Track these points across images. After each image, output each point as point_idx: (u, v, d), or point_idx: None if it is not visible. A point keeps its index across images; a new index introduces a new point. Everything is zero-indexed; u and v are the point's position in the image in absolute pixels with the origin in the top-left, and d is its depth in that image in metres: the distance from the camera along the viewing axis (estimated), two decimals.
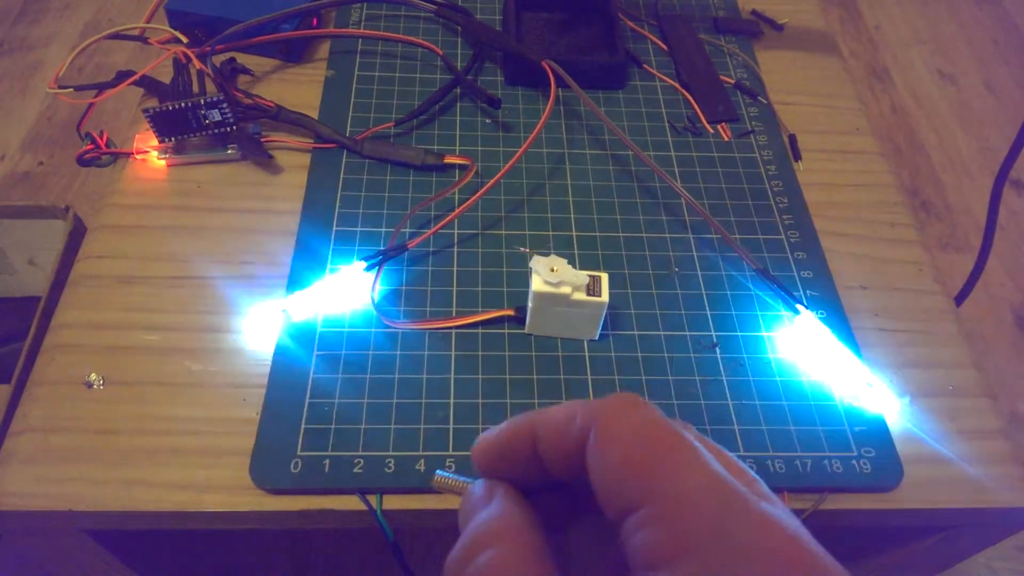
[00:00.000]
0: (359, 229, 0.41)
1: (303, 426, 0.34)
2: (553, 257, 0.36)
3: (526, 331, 0.38)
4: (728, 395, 0.36)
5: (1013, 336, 1.07)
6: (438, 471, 0.25)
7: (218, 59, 0.47)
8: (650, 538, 0.17)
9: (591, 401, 0.21)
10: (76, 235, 0.58)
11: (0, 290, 0.66)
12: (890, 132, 1.35)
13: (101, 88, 0.45)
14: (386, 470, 0.33)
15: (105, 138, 0.44)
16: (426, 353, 0.37)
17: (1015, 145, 0.46)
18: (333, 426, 0.34)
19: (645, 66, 0.52)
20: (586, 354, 0.37)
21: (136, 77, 0.45)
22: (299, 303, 0.38)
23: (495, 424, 0.35)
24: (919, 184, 1.26)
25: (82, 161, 0.44)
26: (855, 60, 1.48)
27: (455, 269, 0.40)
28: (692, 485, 0.17)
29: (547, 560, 0.20)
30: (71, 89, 0.45)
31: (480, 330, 0.38)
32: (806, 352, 0.38)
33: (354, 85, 0.48)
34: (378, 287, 0.39)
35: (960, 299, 0.50)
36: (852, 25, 1.55)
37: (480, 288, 0.39)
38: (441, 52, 0.50)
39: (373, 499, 0.33)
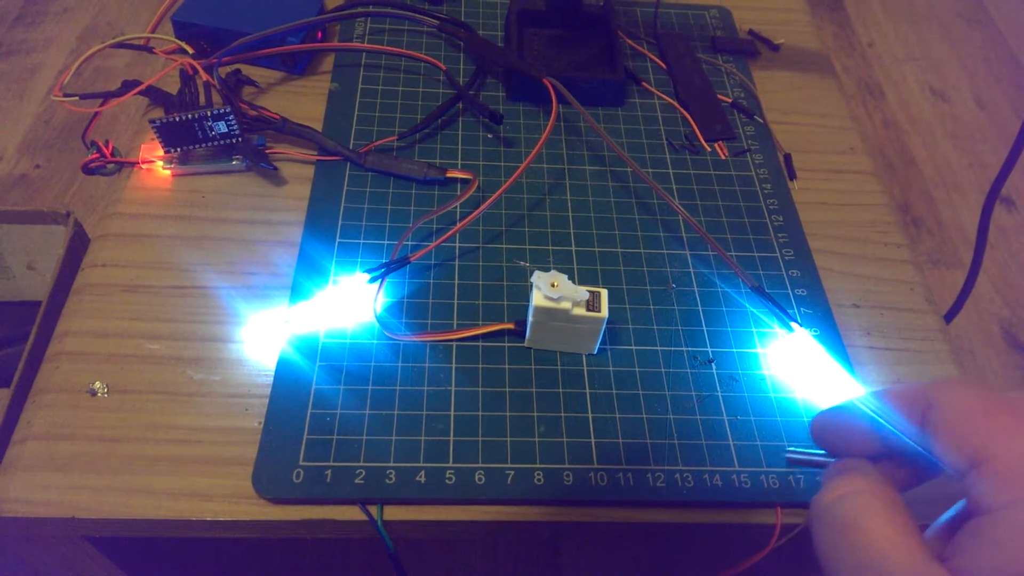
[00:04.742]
0: (362, 241, 0.42)
1: (305, 436, 0.34)
2: (554, 272, 0.36)
3: (526, 344, 0.39)
4: (723, 411, 0.37)
5: (1001, 351, 1.09)
6: (790, 447, 0.32)
7: (223, 71, 0.48)
8: (997, 484, 0.23)
9: (931, 381, 0.26)
10: (76, 240, 0.58)
11: None
12: (882, 147, 1.36)
13: (106, 97, 0.46)
14: (387, 481, 0.33)
15: (111, 147, 0.44)
16: (427, 365, 0.37)
17: (1006, 164, 0.47)
18: (335, 437, 0.35)
19: (644, 84, 0.52)
20: (584, 368, 0.38)
21: (142, 87, 0.45)
22: (302, 314, 0.38)
23: (494, 437, 0.35)
24: (910, 200, 1.28)
25: (87, 170, 0.44)
26: (848, 76, 1.49)
27: (456, 282, 0.41)
28: None
29: (898, 498, 0.25)
30: (76, 97, 0.45)
31: (480, 343, 0.39)
32: (800, 369, 0.39)
33: (358, 98, 0.49)
34: (380, 299, 0.39)
35: (950, 316, 0.51)
36: (846, 41, 1.57)
37: (481, 301, 0.40)
38: (444, 67, 0.51)
39: (374, 509, 0.33)
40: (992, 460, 0.24)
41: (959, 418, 0.25)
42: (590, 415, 0.36)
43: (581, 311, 0.36)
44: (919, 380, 0.39)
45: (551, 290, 0.35)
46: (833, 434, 0.30)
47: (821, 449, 0.31)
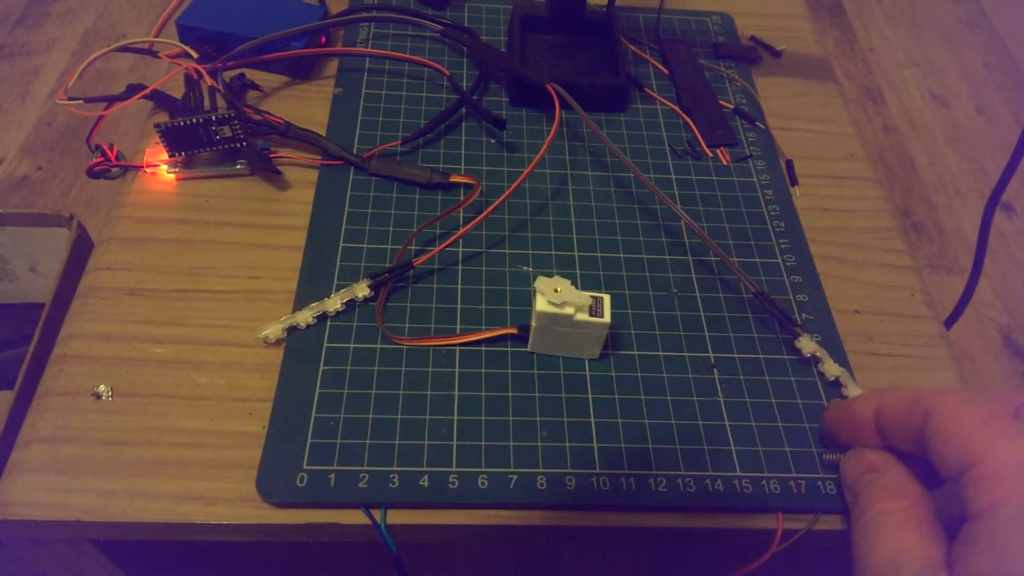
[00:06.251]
0: (365, 245, 0.42)
1: (308, 440, 0.35)
2: (557, 278, 0.36)
3: (528, 349, 0.39)
4: (725, 416, 0.37)
5: (1001, 357, 1.09)
6: (825, 452, 0.36)
7: (228, 75, 0.48)
8: (980, 488, 0.25)
9: (928, 390, 0.29)
10: (80, 243, 0.58)
11: (1, 296, 0.66)
12: (882, 152, 1.37)
13: (111, 101, 0.46)
14: (390, 485, 0.34)
15: (115, 151, 0.45)
16: (430, 370, 0.38)
17: (1007, 170, 0.47)
18: (338, 441, 0.35)
19: (646, 90, 0.53)
20: (587, 373, 0.38)
21: (147, 91, 0.45)
22: (305, 318, 0.38)
23: (497, 440, 0.36)
24: (910, 205, 1.28)
25: (91, 173, 0.44)
26: (849, 81, 1.50)
27: (459, 287, 0.41)
28: (1011, 452, 0.25)
29: (931, 513, 0.28)
30: (80, 101, 0.45)
31: (483, 348, 0.39)
32: (802, 375, 0.39)
33: (361, 103, 0.49)
34: (384, 304, 0.40)
35: (950, 322, 0.51)
36: (847, 46, 1.57)
37: (484, 306, 0.40)
38: (447, 72, 0.51)
39: (377, 513, 0.33)
40: (977, 464, 0.25)
41: (951, 428, 0.27)
42: (592, 420, 0.36)
43: (584, 317, 0.36)
44: (920, 385, 0.40)
45: (554, 295, 0.36)
46: (841, 432, 0.33)
47: (833, 444, 0.35)
